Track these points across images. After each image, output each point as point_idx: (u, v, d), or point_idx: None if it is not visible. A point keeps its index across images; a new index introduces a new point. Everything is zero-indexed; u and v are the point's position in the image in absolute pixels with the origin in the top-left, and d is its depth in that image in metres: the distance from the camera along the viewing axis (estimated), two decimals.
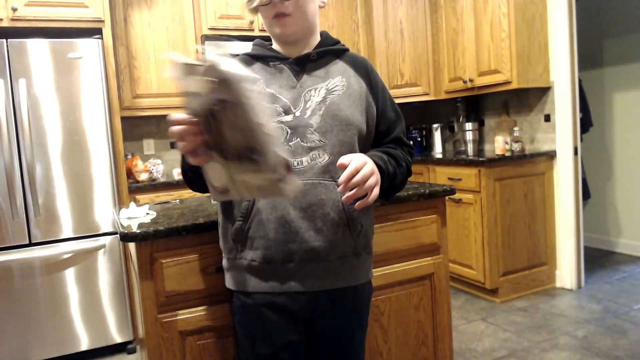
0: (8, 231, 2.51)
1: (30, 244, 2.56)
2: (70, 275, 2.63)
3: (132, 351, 2.79)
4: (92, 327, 2.69)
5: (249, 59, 1.26)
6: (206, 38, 3.31)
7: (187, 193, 3.08)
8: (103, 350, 2.76)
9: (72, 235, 2.63)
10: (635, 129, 3.83)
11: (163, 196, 3.01)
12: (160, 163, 3.21)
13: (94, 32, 2.78)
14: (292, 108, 1.16)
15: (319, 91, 1.19)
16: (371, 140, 1.27)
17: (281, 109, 1.16)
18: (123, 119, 3.37)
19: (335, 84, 1.21)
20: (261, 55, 1.25)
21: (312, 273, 1.15)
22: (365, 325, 1.29)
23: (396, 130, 1.29)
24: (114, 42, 3.05)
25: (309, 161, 1.14)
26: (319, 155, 1.14)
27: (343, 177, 1.02)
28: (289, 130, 1.15)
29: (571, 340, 2.51)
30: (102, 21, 2.74)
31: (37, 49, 2.54)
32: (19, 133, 2.51)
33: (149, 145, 3.57)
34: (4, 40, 2.48)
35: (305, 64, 1.23)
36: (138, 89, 3.20)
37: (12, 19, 2.57)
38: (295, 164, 1.13)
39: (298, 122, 1.15)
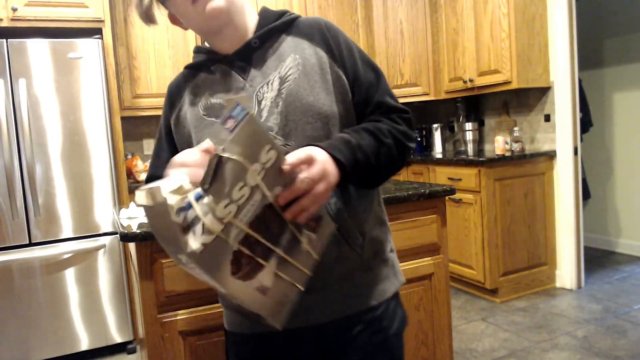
0: (8, 231, 2.51)
1: (30, 244, 2.56)
2: (70, 275, 2.63)
3: (132, 351, 2.79)
4: (92, 327, 2.69)
5: (192, 72, 1.06)
6: None
7: None
8: (103, 350, 2.76)
9: (72, 235, 2.63)
10: (635, 129, 3.83)
11: None
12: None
13: (94, 32, 2.78)
14: (262, 100, 0.95)
15: (272, 84, 0.94)
16: (354, 119, 0.98)
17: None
18: (123, 119, 3.37)
19: (288, 66, 0.95)
20: (201, 63, 1.03)
21: (310, 304, 0.92)
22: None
23: (377, 94, 0.98)
24: (114, 42, 3.05)
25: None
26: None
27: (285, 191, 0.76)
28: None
29: (571, 340, 2.51)
30: (102, 21, 2.74)
31: (37, 49, 2.54)
32: (19, 133, 2.51)
33: (149, 145, 3.57)
34: (4, 40, 2.48)
35: (249, 57, 0.98)
36: (138, 89, 3.20)
37: (12, 19, 2.57)
38: None
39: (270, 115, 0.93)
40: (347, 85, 0.96)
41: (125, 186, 2.81)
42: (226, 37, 0.98)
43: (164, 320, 1.32)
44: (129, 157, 3.29)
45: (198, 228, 0.66)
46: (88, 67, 2.64)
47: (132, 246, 1.54)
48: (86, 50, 2.63)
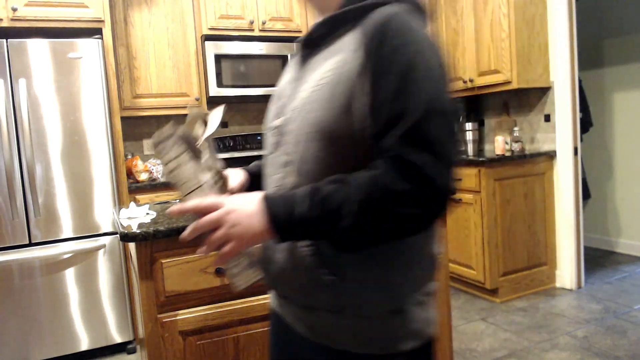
0: (8, 231, 2.51)
1: (30, 244, 2.56)
2: (70, 275, 2.63)
3: (132, 351, 2.79)
4: (92, 327, 2.69)
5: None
6: (206, 38, 3.31)
7: None
8: (103, 350, 2.76)
9: (72, 235, 2.63)
10: (635, 129, 3.83)
11: (163, 196, 3.01)
12: (160, 163, 3.21)
13: (94, 32, 2.78)
14: (284, 109, 0.87)
15: (309, 83, 0.83)
16: (362, 147, 0.77)
17: (275, 111, 0.91)
18: (123, 119, 3.37)
19: (328, 69, 0.80)
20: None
21: (287, 309, 0.93)
22: None
23: (391, 134, 0.72)
24: (114, 42, 3.05)
25: (277, 183, 0.85)
26: (286, 174, 0.83)
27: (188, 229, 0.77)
28: (274, 140, 0.88)
29: (571, 340, 2.51)
30: (102, 21, 2.74)
31: (37, 49, 2.54)
32: (19, 133, 2.51)
33: (149, 145, 3.57)
34: (4, 40, 2.48)
35: (313, 46, 0.87)
36: (138, 89, 3.20)
37: (12, 19, 2.57)
38: (272, 170, 0.88)
39: (283, 129, 0.86)
40: (366, 105, 0.75)
41: (125, 186, 2.81)
42: (311, 11, 0.88)
43: (164, 320, 1.32)
44: (129, 157, 3.29)
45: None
46: (88, 67, 2.64)
47: (132, 246, 1.54)
48: (86, 50, 2.63)
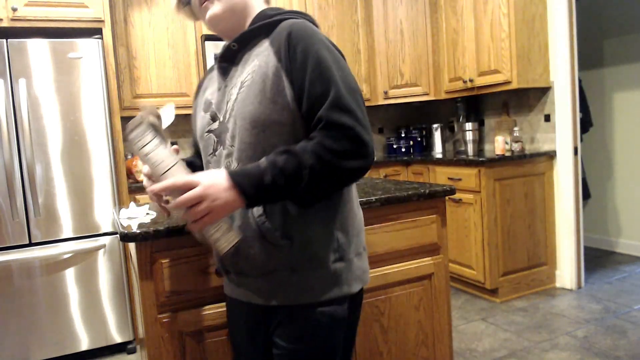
0: (8, 231, 2.51)
1: (30, 244, 2.56)
2: (70, 275, 2.63)
3: (132, 351, 2.79)
4: (92, 327, 2.69)
5: (213, 66, 1.19)
6: (206, 38, 3.31)
7: None
8: (103, 350, 2.76)
9: (72, 235, 2.63)
10: (635, 129, 3.83)
11: None
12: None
13: (94, 32, 2.78)
14: (217, 113, 1.07)
15: (236, 87, 1.02)
16: (300, 130, 0.98)
17: (209, 117, 1.09)
18: (123, 119, 3.37)
19: (247, 72, 1.00)
20: (216, 57, 1.13)
21: (241, 283, 1.08)
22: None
23: (322, 109, 0.92)
24: (114, 42, 3.05)
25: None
26: (230, 163, 1.02)
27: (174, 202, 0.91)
28: (215, 139, 1.07)
29: (571, 340, 2.51)
30: (102, 21, 2.74)
31: (37, 49, 2.54)
32: (19, 133, 2.51)
33: None
34: (4, 40, 2.48)
35: (232, 59, 1.06)
36: (138, 89, 3.21)
37: (12, 19, 2.57)
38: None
39: (221, 129, 1.05)
40: (291, 96, 0.96)
41: (125, 186, 2.81)
42: (228, 39, 1.10)
43: (164, 320, 1.32)
44: (129, 157, 3.29)
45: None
46: (88, 67, 2.64)
47: (132, 246, 1.54)
48: (86, 50, 2.64)
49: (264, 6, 1.09)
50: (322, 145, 0.91)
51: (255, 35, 1.03)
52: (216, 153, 1.07)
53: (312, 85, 0.94)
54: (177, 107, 3.33)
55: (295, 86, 0.95)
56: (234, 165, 1.01)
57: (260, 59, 0.99)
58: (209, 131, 1.09)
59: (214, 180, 0.90)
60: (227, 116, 1.03)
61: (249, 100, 0.98)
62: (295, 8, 3.59)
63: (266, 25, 1.02)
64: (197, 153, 1.26)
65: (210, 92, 1.12)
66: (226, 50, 1.05)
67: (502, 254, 3.12)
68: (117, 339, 2.75)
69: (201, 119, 1.13)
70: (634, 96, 3.81)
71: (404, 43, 3.88)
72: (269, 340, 1.09)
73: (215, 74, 1.13)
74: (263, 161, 0.92)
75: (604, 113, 4.02)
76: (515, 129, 3.38)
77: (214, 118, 1.08)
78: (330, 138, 0.91)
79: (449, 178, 3.34)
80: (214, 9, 1.03)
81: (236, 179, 0.91)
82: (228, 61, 1.07)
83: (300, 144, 0.93)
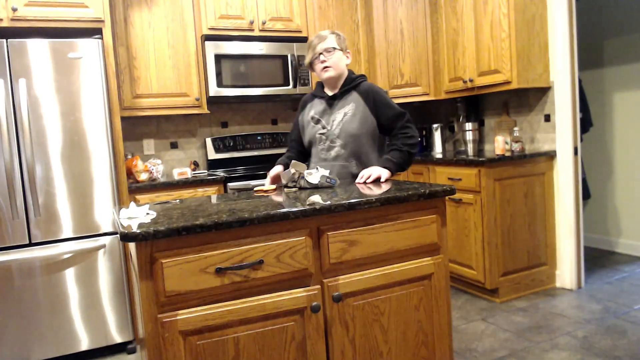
0: (8, 231, 2.51)
1: (30, 244, 2.56)
2: (70, 275, 2.63)
3: (132, 351, 2.79)
4: (92, 327, 2.69)
5: (311, 97, 2.28)
6: (206, 38, 3.31)
7: (187, 193, 3.08)
8: (103, 350, 2.76)
9: (72, 235, 2.64)
10: (635, 129, 3.83)
11: (163, 196, 3.01)
12: (160, 163, 3.21)
13: (94, 32, 2.78)
14: (325, 125, 2.17)
15: (340, 114, 2.14)
16: (376, 132, 2.14)
17: (320, 126, 2.18)
18: (123, 119, 3.37)
19: (349, 108, 2.13)
20: (316, 94, 2.27)
21: None
22: None
23: (398, 123, 2.12)
24: (114, 42, 3.05)
25: (333, 153, 2.15)
26: (339, 150, 2.14)
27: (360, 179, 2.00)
28: (324, 138, 2.17)
29: (571, 340, 2.51)
30: (102, 21, 2.74)
31: (37, 49, 2.54)
32: (19, 133, 2.51)
33: (149, 145, 3.57)
34: (4, 40, 2.48)
35: (335, 99, 2.18)
36: (138, 89, 3.21)
37: (12, 19, 2.57)
38: (325, 154, 2.18)
39: (329, 133, 2.16)
40: (375, 122, 2.13)
41: (125, 186, 2.81)
42: (332, 87, 2.20)
43: (164, 320, 1.32)
44: (129, 157, 3.29)
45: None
46: (88, 67, 2.64)
47: (132, 246, 1.54)
48: (86, 50, 2.64)
49: (346, 72, 2.18)
50: (403, 142, 2.10)
51: (349, 88, 2.16)
52: (325, 144, 2.16)
53: (388, 114, 2.12)
54: (177, 107, 3.33)
55: (378, 116, 2.12)
56: (342, 151, 2.12)
57: (356, 103, 2.12)
58: (321, 134, 2.17)
59: (378, 169, 2.01)
60: (334, 127, 2.13)
61: (354, 123, 2.10)
62: (296, 8, 3.60)
63: (355, 85, 2.16)
64: (298, 151, 2.34)
65: (319, 112, 2.19)
66: (333, 96, 2.18)
67: (502, 254, 3.12)
68: (117, 339, 2.75)
69: (313, 129, 2.20)
70: (634, 96, 3.81)
71: (404, 43, 3.88)
72: None
73: (317, 102, 2.23)
74: (389, 157, 2.07)
75: (604, 113, 4.02)
76: (515, 129, 3.38)
77: (323, 127, 2.16)
78: (405, 136, 2.11)
79: (449, 178, 3.34)
80: (331, 73, 2.13)
81: (387, 165, 2.04)
82: (333, 99, 2.18)
83: (394, 147, 2.10)
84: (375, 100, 2.10)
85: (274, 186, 1.97)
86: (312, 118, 2.20)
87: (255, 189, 1.96)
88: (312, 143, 2.22)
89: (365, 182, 1.94)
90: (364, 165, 2.11)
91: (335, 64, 2.12)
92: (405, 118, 2.10)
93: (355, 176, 2.07)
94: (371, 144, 2.14)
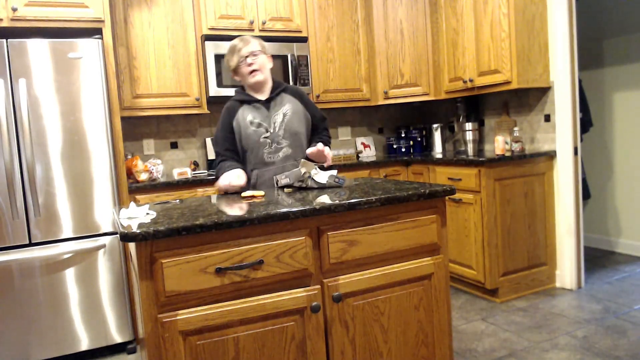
0: (8, 231, 2.51)
1: (30, 244, 2.56)
2: (70, 275, 2.63)
3: (132, 351, 2.79)
4: (92, 327, 2.69)
5: (238, 103, 2.18)
6: (206, 38, 3.31)
7: (187, 193, 3.08)
8: (103, 350, 2.76)
9: (72, 235, 2.64)
10: (635, 129, 3.83)
11: (163, 196, 3.01)
12: (160, 163, 3.21)
13: (94, 32, 2.78)
14: (268, 128, 2.14)
15: (279, 115, 2.16)
16: (310, 130, 2.25)
17: (263, 130, 2.13)
18: (123, 119, 3.37)
19: (286, 109, 2.18)
20: (243, 100, 2.18)
21: None
22: None
23: (322, 125, 2.31)
24: (114, 42, 3.05)
25: (281, 154, 2.15)
26: (287, 150, 2.16)
27: (318, 149, 2.08)
28: (269, 141, 2.14)
29: (571, 340, 2.51)
30: (102, 21, 2.74)
31: (37, 49, 2.54)
32: (19, 133, 2.51)
33: (149, 145, 3.57)
34: (4, 40, 2.48)
35: (270, 102, 2.18)
36: (138, 89, 3.21)
37: (12, 19, 2.57)
38: (273, 157, 2.14)
39: (273, 135, 2.14)
40: (310, 120, 2.25)
41: (125, 186, 2.81)
42: (260, 91, 2.20)
43: (164, 320, 1.32)
44: (129, 157, 3.29)
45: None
46: (88, 67, 2.64)
47: (132, 246, 1.54)
48: (86, 50, 2.64)
49: (270, 75, 2.21)
50: (328, 135, 2.33)
51: (279, 92, 2.20)
52: (272, 147, 2.13)
53: (318, 116, 2.29)
54: (177, 107, 3.33)
55: (312, 116, 2.26)
56: (289, 151, 2.15)
57: (292, 104, 2.20)
58: (265, 137, 2.12)
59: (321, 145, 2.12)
60: (277, 128, 2.13)
61: (294, 122, 2.17)
62: (296, 8, 3.60)
63: (284, 88, 2.22)
64: (234, 153, 2.19)
65: (259, 117, 2.14)
66: (269, 99, 2.18)
67: (502, 254, 3.12)
68: (117, 339, 2.75)
69: (255, 134, 2.12)
70: (634, 96, 3.81)
71: (404, 43, 3.88)
72: None
73: (252, 108, 2.16)
74: (321, 140, 2.24)
75: (604, 113, 4.02)
76: (515, 129, 3.38)
77: (267, 129, 2.13)
78: (327, 132, 2.33)
79: (449, 178, 3.34)
80: (259, 77, 2.13)
81: (325, 143, 2.22)
82: (267, 102, 2.17)
83: (324, 136, 2.30)
84: (306, 101, 2.23)
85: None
86: (252, 123, 2.10)
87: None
88: (253, 148, 2.12)
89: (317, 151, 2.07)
90: None
91: (262, 67, 2.12)
92: (327, 121, 2.33)
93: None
94: (309, 141, 2.24)
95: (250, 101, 2.15)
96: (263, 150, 2.11)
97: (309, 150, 2.06)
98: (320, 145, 2.05)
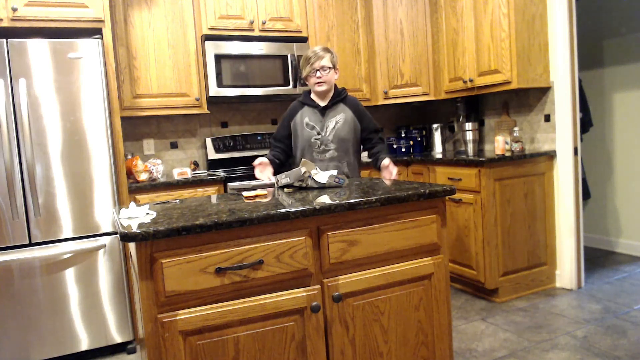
0: (8, 231, 2.51)
1: (30, 244, 2.56)
2: (70, 275, 2.63)
3: (132, 351, 2.79)
4: (92, 327, 2.69)
5: (301, 104, 2.56)
6: (206, 38, 3.31)
7: (187, 193, 3.08)
8: (103, 350, 2.76)
9: (72, 235, 2.63)
10: (635, 129, 3.83)
11: (163, 196, 3.01)
12: (160, 163, 3.21)
13: (94, 32, 2.78)
14: (320, 131, 2.49)
15: (332, 122, 2.49)
16: (359, 139, 2.57)
17: (315, 132, 2.49)
18: (123, 119, 3.37)
19: (339, 118, 2.50)
20: (306, 103, 2.55)
21: None
22: None
23: (377, 135, 2.59)
24: (114, 42, 3.05)
25: (327, 155, 2.49)
26: (333, 153, 2.49)
27: (393, 171, 2.43)
28: (319, 142, 2.49)
29: (571, 340, 2.51)
30: (102, 21, 2.74)
31: (37, 49, 2.54)
32: (19, 133, 2.51)
33: (149, 145, 3.57)
34: (4, 40, 2.48)
35: (327, 109, 2.51)
36: (138, 89, 3.21)
37: (12, 19, 2.57)
38: (320, 157, 2.50)
39: (323, 139, 2.49)
40: (359, 130, 2.54)
41: (125, 186, 2.81)
42: (322, 98, 2.52)
43: (164, 320, 1.32)
44: (129, 157, 3.29)
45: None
46: (88, 67, 2.64)
47: (132, 246, 1.54)
48: (86, 50, 2.64)
49: (334, 87, 2.52)
50: (384, 146, 2.59)
51: (337, 101, 2.52)
52: (320, 148, 2.49)
53: (370, 126, 2.57)
54: (177, 107, 3.33)
55: (363, 126, 2.55)
56: (335, 153, 2.48)
57: (345, 113, 2.50)
58: (316, 139, 2.48)
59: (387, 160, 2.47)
60: (328, 133, 2.48)
61: (344, 130, 2.49)
62: (296, 8, 3.60)
63: (342, 98, 2.53)
64: (283, 150, 2.58)
65: (314, 121, 2.49)
66: (325, 106, 2.50)
67: (502, 254, 3.12)
68: (117, 339, 2.75)
69: (308, 133, 2.49)
70: (634, 96, 3.81)
71: (404, 43, 3.88)
72: None
73: (311, 111, 2.52)
74: (382, 151, 2.54)
75: (604, 113, 4.02)
76: (515, 129, 3.38)
77: (318, 133, 2.48)
78: (383, 142, 2.60)
79: (449, 178, 3.34)
80: (324, 87, 2.45)
81: (389, 156, 2.51)
82: (325, 109, 2.50)
83: (379, 146, 2.57)
84: (361, 112, 2.54)
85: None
86: (307, 124, 2.50)
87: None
88: (306, 147, 2.51)
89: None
90: (350, 164, 2.52)
91: (328, 81, 2.45)
92: (380, 133, 2.61)
93: (345, 174, 2.49)
94: (355, 147, 2.56)
95: (311, 105, 2.52)
96: (314, 149, 2.50)
97: (383, 163, 2.44)
98: (389, 165, 2.42)
